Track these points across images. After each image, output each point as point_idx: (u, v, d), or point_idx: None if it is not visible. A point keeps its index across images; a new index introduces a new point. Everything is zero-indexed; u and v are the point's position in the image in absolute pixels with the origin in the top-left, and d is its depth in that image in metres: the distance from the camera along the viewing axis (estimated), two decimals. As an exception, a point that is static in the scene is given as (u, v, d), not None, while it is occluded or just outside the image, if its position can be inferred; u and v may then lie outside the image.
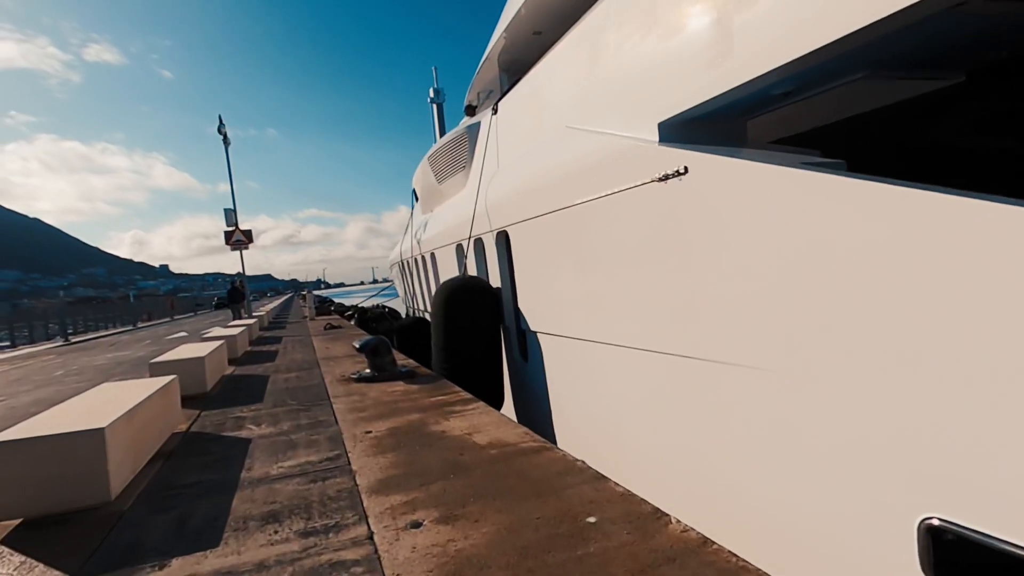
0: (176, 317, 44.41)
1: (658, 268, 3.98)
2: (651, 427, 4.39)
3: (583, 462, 3.18)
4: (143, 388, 4.53)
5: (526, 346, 6.80)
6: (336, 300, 51.69)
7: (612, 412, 4.92)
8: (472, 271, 8.25)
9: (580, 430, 5.62)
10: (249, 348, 11.55)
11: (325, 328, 15.43)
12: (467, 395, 5.32)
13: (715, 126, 3.69)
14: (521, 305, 6.64)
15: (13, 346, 26.00)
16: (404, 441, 3.95)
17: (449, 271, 9.68)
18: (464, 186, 8.99)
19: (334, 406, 5.31)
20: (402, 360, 7.51)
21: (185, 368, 6.10)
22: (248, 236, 15.09)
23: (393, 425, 4.42)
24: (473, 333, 6.94)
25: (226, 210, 14.82)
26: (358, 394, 5.78)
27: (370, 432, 4.26)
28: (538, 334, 6.28)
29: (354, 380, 6.53)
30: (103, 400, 4.11)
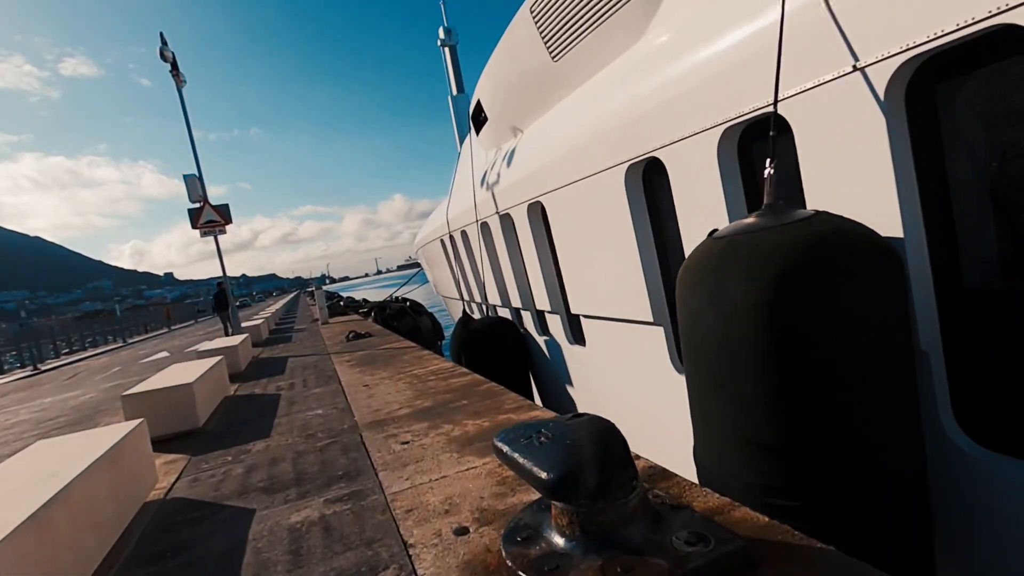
0: (173, 327, 40.14)
1: None
2: None
3: None
4: None
5: None
6: (344, 294, 47.00)
7: None
8: (716, 218, 3.40)
9: None
10: (232, 392, 6.89)
11: (348, 337, 10.78)
12: None
13: None
14: None
15: (-25, 380, 21.91)
16: None
17: (583, 230, 4.96)
18: (647, 28, 4.13)
19: None
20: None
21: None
22: (224, 215, 10.27)
23: None
24: (874, 386, 2.15)
25: (186, 176, 9.85)
26: None
27: None
28: None
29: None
30: None
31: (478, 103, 7.51)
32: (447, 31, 18.90)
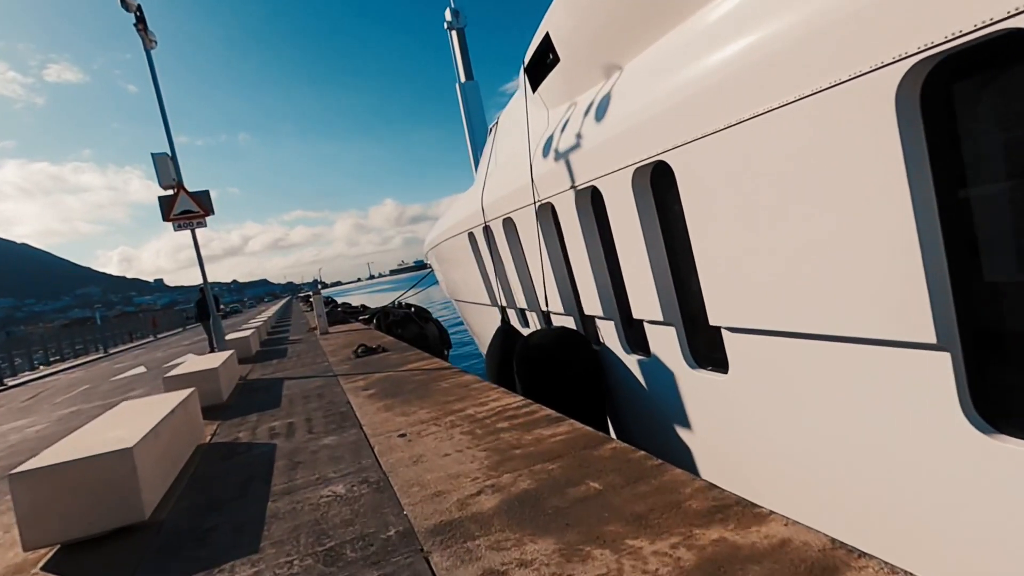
0: (160, 335, 37.82)
1: None
2: None
3: None
4: None
5: None
6: (339, 300, 44.78)
7: None
8: None
9: None
10: (207, 439, 4.91)
11: (357, 353, 8.82)
12: None
13: None
14: None
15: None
16: None
17: (765, 192, 3.09)
18: None
19: None
20: None
21: None
22: (205, 205, 8.20)
23: None
24: None
25: (155, 155, 7.78)
26: None
27: None
28: None
29: None
30: None
31: (542, 43, 5.60)
32: (454, 12, 16.99)
